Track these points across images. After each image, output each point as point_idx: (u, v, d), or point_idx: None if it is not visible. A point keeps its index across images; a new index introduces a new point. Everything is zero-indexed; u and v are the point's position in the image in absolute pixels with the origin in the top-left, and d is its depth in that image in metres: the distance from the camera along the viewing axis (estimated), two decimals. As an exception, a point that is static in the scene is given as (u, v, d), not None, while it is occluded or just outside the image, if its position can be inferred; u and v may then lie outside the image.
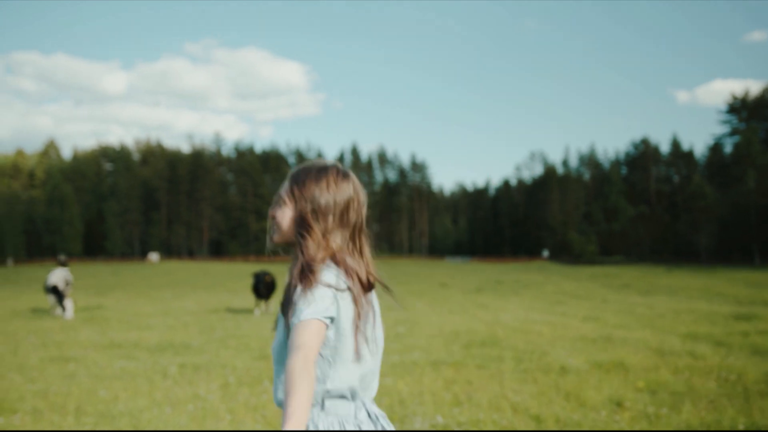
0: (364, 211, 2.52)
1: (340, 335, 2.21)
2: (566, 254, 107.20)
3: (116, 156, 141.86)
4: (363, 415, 2.27)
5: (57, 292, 18.76)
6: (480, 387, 8.22)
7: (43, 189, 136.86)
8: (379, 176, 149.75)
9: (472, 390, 8.05)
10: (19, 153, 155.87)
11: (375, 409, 2.32)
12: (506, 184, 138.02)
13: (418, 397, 7.66)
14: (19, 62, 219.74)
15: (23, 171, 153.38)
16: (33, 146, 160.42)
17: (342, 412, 2.23)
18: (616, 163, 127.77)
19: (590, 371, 9.17)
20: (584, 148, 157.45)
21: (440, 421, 6.63)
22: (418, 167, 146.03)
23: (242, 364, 10.23)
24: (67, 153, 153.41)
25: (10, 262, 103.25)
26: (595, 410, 7.00)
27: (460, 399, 7.55)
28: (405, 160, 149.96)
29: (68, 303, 19.09)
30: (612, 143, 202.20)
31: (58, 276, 19.12)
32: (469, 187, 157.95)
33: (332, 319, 2.17)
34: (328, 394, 2.21)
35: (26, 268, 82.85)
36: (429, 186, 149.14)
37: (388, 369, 9.61)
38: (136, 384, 8.73)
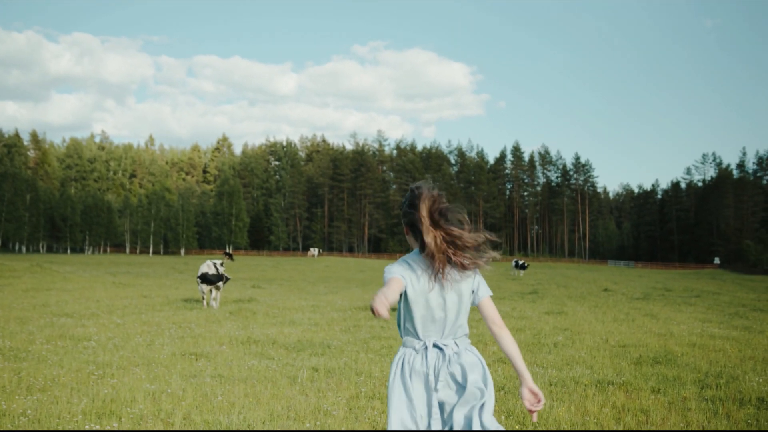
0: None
1: None
2: (740, 263, 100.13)
3: (283, 153, 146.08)
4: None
5: (209, 282, 18.62)
6: (658, 420, 6.74)
7: (214, 184, 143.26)
8: (540, 176, 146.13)
9: (649, 423, 6.60)
10: (195, 148, 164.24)
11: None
12: (675, 186, 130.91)
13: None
14: (200, 65, 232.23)
15: (198, 166, 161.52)
16: (209, 144, 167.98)
17: None
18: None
19: (797, 406, 7.46)
20: (763, 150, 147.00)
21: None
22: (581, 168, 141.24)
23: (379, 371, 9.19)
24: (238, 150, 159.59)
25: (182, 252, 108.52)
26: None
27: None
28: (568, 161, 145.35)
29: (218, 295, 18.97)
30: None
31: (209, 266, 19.04)
32: (635, 189, 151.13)
33: None
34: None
35: (195, 258, 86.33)
36: (593, 187, 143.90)
37: (544, 387, 8.27)
38: (259, 390, 7.88)
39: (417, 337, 3.41)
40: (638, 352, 11.40)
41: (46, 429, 6.04)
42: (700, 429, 6.42)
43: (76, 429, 6.04)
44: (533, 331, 14.06)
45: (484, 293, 3.53)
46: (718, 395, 7.93)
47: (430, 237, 3.28)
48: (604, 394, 7.89)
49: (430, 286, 3.33)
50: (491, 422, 3.29)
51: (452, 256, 3.35)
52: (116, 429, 6.03)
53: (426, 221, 3.30)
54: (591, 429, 6.34)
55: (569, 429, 6.35)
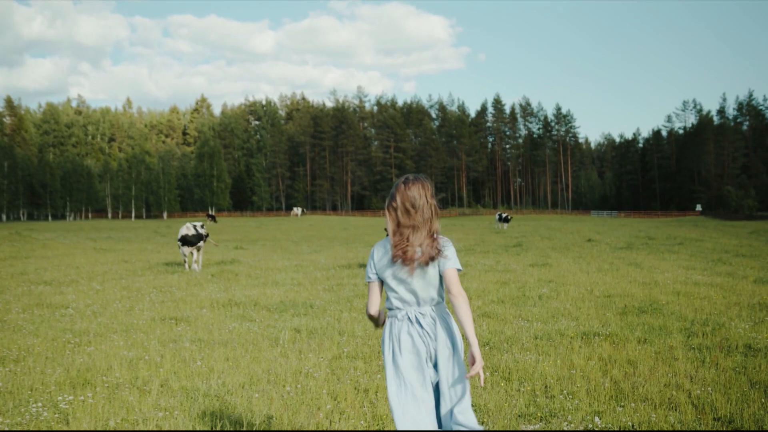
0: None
1: None
2: (721, 209, 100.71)
3: (262, 112, 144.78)
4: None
5: (190, 244, 18.43)
6: (646, 370, 6.63)
7: (194, 145, 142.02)
8: (522, 129, 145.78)
9: (637, 375, 6.50)
10: (173, 110, 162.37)
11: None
12: (656, 135, 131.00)
13: (568, 385, 6.19)
14: (176, 25, 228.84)
15: (177, 128, 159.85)
16: (188, 105, 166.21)
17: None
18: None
19: (785, 352, 7.38)
20: (742, 96, 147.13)
21: (598, 424, 5.17)
22: (562, 119, 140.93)
23: (362, 330, 9.05)
24: (217, 111, 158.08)
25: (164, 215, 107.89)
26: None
27: (622, 389, 6.01)
28: (549, 112, 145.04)
29: (199, 257, 18.80)
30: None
31: (188, 227, 18.84)
32: (617, 138, 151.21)
33: None
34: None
35: (178, 221, 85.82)
36: (575, 138, 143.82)
37: (529, 341, 8.16)
38: (240, 353, 7.72)
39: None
40: (623, 302, 11.32)
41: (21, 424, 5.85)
42: (688, 377, 6.32)
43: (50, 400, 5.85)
44: (518, 284, 13.97)
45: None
46: (704, 343, 7.84)
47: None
48: (590, 346, 7.78)
49: None
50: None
51: None
52: (90, 399, 5.85)
53: None
54: (577, 381, 6.23)
55: (555, 383, 6.23)
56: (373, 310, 3.91)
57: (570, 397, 5.85)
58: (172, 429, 5.18)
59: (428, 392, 3.75)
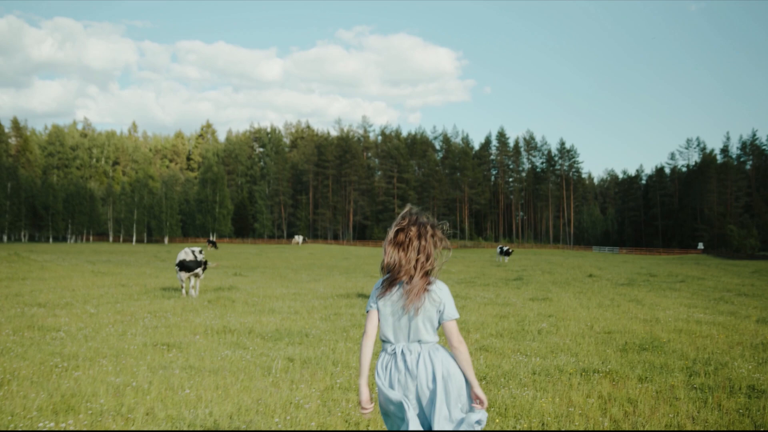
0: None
1: None
2: (723, 248, 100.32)
3: (267, 139, 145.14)
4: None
5: (187, 269, 18.30)
6: (647, 410, 6.44)
7: (198, 171, 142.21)
8: (525, 162, 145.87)
9: (637, 414, 6.30)
10: (178, 135, 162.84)
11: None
12: (659, 172, 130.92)
13: (566, 423, 6.00)
14: (184, 50, 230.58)
15: (181, 153, 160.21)
16: (193, 131, 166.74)
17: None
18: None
19: (789, 394, 7.18)
20: (746, 135, 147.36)
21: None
22: (566, 153, 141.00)
23: (356, 362, 8.88)
24: (222, 137, 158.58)
25: (165, 240, 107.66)
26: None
27: (622, 429, 5.81)
28: (553, 146, 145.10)
29: (197, 283, 18.64)
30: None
31: (186, 252, 18.70)
32: (620, 175, 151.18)
33: None
34: None
35: (179, 246, 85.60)
36: (578, 173, 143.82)
37: (527, 376, 7.97)
38: (230, 381, 7.54)
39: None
40: (624, 338, 11.13)
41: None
42: (690, 418, 6.13)
43: (27, 429, 5.67)
44: (517, 318, 13.78)
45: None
46: (707, 383, 7.65)
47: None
48: (589, 383, 7.59)
49: None
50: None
51: None
52: (71, 427, 5.66)
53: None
54: (575, 420, 6.04)
55: (553, 420, 6.04)
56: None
57: (567, 436, 5.67)
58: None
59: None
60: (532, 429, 5.87)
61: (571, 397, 6.93)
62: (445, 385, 3.84)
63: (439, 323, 3.95)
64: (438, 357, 3.92)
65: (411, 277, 3.88)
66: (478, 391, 3.89)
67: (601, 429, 5.80)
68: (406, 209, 4.05)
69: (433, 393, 3.82)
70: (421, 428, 3.76)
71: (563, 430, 5.88)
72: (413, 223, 3.94)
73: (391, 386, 3.91)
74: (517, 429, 5.89)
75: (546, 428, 5.89)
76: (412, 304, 3.85)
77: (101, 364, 8.46)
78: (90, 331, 11.45)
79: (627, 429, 5.82)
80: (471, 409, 3.92)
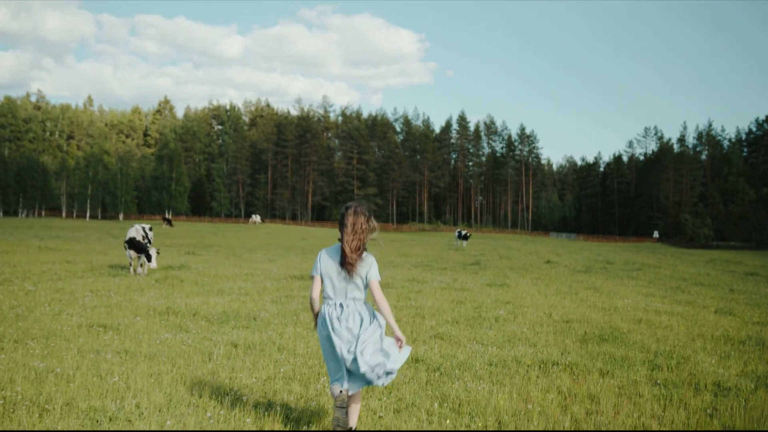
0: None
1: None
2: (678, 236, 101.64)
3: (226, 117, 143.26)
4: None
5: (137, 248, 17.72)
6: (610, 409, 6.04)
7: (155, 147, 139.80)
8: (486, 147, 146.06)
9: (599, 413, 5.90)
10: (135, 111, 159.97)
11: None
12: (617, 160, 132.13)
13: (524, 422, 5.58)
14: (143, 24, 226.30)
15: (138, 129, 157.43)
16: (151, 106, 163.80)
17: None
18: (737, 143, 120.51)
19: (756, 392, 6.84)
20: (702, 125, 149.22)
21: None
22: (526, 139, 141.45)
23: (304, 348, 8.37)
24: (181, 113, 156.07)
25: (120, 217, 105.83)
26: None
27: (583, 429, 5.40)
28: (513, 131, 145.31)
29: (152, 251, 17.96)
30: (733, 121, 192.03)
31: (137, 230, 18.20)
32: (579, 162, 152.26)
33: None
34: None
35: (133, 223, 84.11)
36: (537, 159, 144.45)
37: (483, 367, 7.55)
38: (165, 368, 6.99)
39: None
40: (583, 328, 10.79)
41: None
42: (655, 419, 5.75)
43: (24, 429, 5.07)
44: (474, 304, 13.39)
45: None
46: (670, 378, 7.30)
47: None
48: (548, 377, 7.20)
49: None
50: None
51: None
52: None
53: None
54: (534, 419, 5.62)
55: (511, 419, 5.62)
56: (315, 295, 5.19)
57: (526, 438, 5.24)
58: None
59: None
60: (488, 429, 5.44)
61: (529, 392, 6.52)
62: (368, 330, 4.95)
63: (366, 284, 5.03)
64: (364, 309, 5.09)
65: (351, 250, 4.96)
66: (399, 333, 4.95)
67: (562, 430, 5.39)
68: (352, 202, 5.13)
69: (358, 336, 4.91)
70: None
71: (521, 430, 5.45)
72: (350, 209, 5.05)
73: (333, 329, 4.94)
74: (472, 429, 5.45)
75: (503, 428, 5.46)
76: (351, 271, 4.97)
77: (28, 347, 7.86)
78: (23, 309, 10.79)
79: (590, 430, 5.41)
80: (387, 355, 4.92)
